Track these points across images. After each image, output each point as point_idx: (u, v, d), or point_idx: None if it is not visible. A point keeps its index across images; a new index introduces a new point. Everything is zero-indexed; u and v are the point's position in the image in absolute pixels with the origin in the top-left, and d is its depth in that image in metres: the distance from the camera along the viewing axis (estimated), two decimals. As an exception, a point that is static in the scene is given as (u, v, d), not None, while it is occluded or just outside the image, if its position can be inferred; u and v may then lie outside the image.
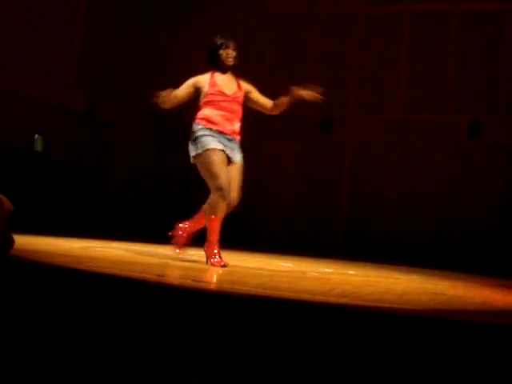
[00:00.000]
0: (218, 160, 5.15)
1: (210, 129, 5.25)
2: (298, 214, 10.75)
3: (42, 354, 3.08)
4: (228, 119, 5.31)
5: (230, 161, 5.27)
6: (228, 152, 5.25)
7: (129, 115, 10.94)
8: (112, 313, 3.29)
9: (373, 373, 2.83)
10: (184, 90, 5.41)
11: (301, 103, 5.56)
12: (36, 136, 9.40)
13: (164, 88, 5.37)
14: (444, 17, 10.32)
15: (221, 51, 5.40)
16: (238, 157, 5.34)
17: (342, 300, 3.64)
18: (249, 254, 7.69)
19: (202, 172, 5.27)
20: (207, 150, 5.17)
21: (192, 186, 11.40)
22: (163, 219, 11.15)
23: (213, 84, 5.37)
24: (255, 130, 11.10)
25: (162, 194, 11.36)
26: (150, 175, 11.48)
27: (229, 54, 5.39)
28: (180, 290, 3.49)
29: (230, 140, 5.29)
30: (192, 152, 5.30)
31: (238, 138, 5.38)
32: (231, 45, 5.40)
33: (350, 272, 6.31)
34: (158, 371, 2.95)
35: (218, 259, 5.37)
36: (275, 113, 5.57)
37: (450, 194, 10.05)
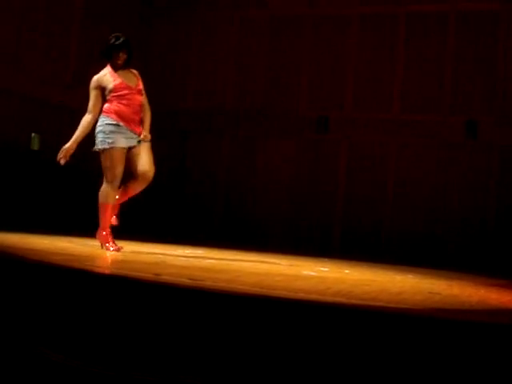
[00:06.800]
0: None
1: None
2: (294, 213, 10.76)
3: (39, 352, 3.08)
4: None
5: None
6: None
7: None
8: (109, 312, 3.30)
9: (368, 372, 2.84)
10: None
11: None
12: (32, 135, 9.39)
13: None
14: (439, 17, 10.33)
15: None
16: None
17: (338, 299, 3.65)
18: (244, 252, 7.70)
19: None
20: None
21: (188, 184, 11.42)
22: (160, 218, 11.18)
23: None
24: (251, 128, 11.15)
25: (159, 192, 11.35)
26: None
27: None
28: (176, 288, 3.50)
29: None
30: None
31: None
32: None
33: (346, 271, 6.32)
34: (157, 370, 2.96)
35: (112, 244, 5.72)
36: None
37: (445, 194, 10.07)
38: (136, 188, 5.79)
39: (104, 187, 5.76)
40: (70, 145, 5.75)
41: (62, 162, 5.73)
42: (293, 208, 10.78)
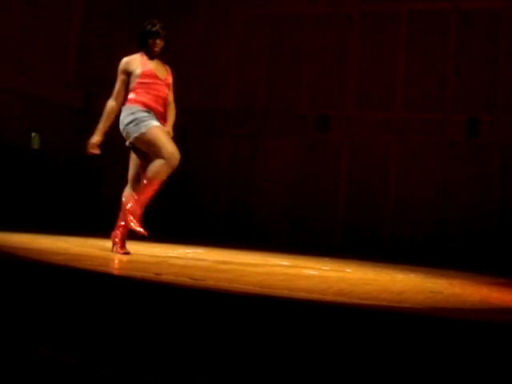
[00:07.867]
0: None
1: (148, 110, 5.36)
2: (295, 212, 10.76)
3: (40, 352, 3.08)
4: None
5: None
6: None
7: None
8: (110, 311, 3.29)
9: (369, 371, 2.83)
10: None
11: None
12: (33, 134, 9.39)
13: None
14: (441, 15, 10.33)
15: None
16: None
17: (339, 298, 3.64)
18: (246, 251, 7.70)
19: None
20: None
21: (189, 183, 11.41)
22: (161, 217, 11.18)
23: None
24: (252, 127, 11.14)
25: (159, 191, 11.34)
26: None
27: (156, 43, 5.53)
28: (178, 288, 3.49)
29: None
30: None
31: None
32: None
33: (348, 270, 6.31)
34: (158, 370, 2.95)
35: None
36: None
37: (447, 193, 10.06)
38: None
39: (159, 164, 5.36)
40: (95, 138, 5.38)
41: (95, 152, 5.39)
42: (294, 207, 10.77)
